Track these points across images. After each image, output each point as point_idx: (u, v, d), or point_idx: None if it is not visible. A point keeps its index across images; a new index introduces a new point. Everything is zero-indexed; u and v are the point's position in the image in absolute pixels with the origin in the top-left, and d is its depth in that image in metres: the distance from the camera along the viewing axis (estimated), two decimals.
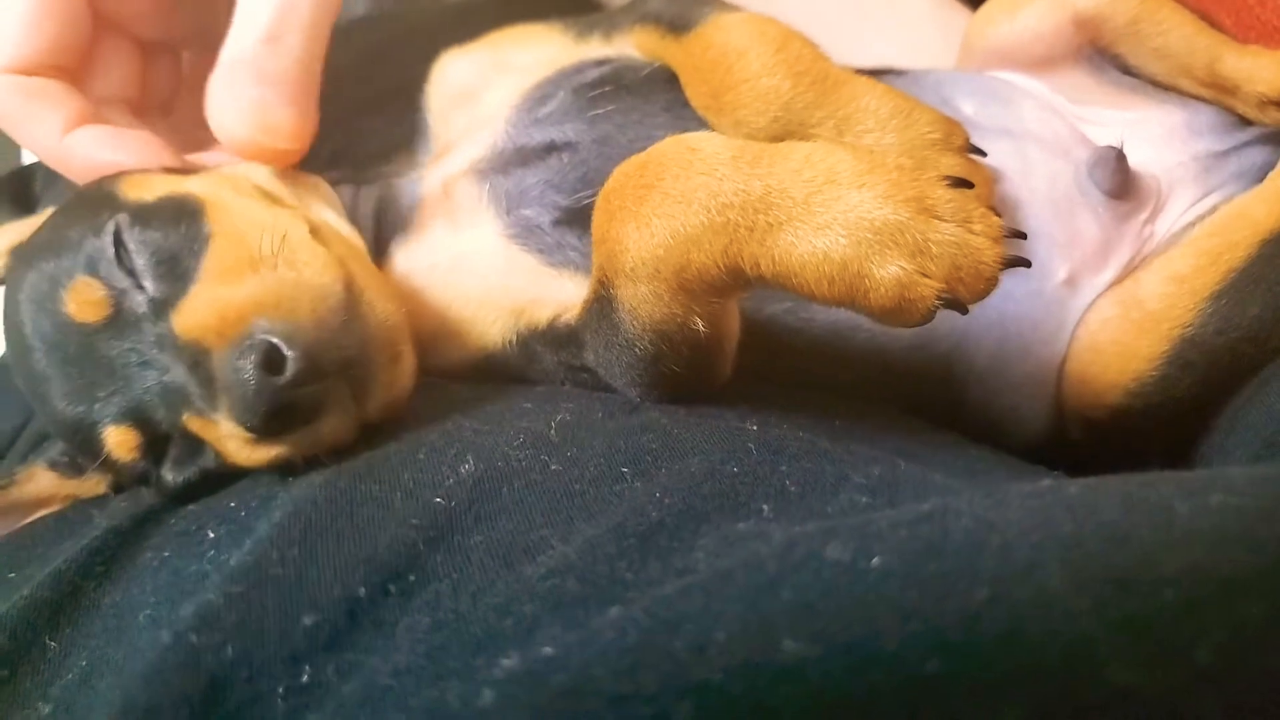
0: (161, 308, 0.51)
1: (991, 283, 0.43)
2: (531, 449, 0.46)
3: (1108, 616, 0.29)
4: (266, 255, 0.50)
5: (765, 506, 0.42)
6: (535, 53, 0.65)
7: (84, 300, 0.51)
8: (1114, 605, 0.29)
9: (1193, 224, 0.63)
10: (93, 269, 0.52)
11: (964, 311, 0.44)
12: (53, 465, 0.57)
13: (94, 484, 0.56)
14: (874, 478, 0.43)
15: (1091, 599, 0.29)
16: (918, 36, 0.86)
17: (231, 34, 0.62)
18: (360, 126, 0.78)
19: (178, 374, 0.50)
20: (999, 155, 0.60)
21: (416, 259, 0.62)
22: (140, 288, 0.52)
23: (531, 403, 0.53)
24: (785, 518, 0.41)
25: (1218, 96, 0.67)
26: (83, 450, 0.54)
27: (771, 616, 0.31)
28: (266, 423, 0.46)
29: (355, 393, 0.50)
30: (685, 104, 0.60)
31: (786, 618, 0.31)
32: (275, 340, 0.46)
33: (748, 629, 0.31)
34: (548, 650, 0.33)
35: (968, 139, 0.56)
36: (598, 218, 0.49)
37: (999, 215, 0.44)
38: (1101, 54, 0.68)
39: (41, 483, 0.57)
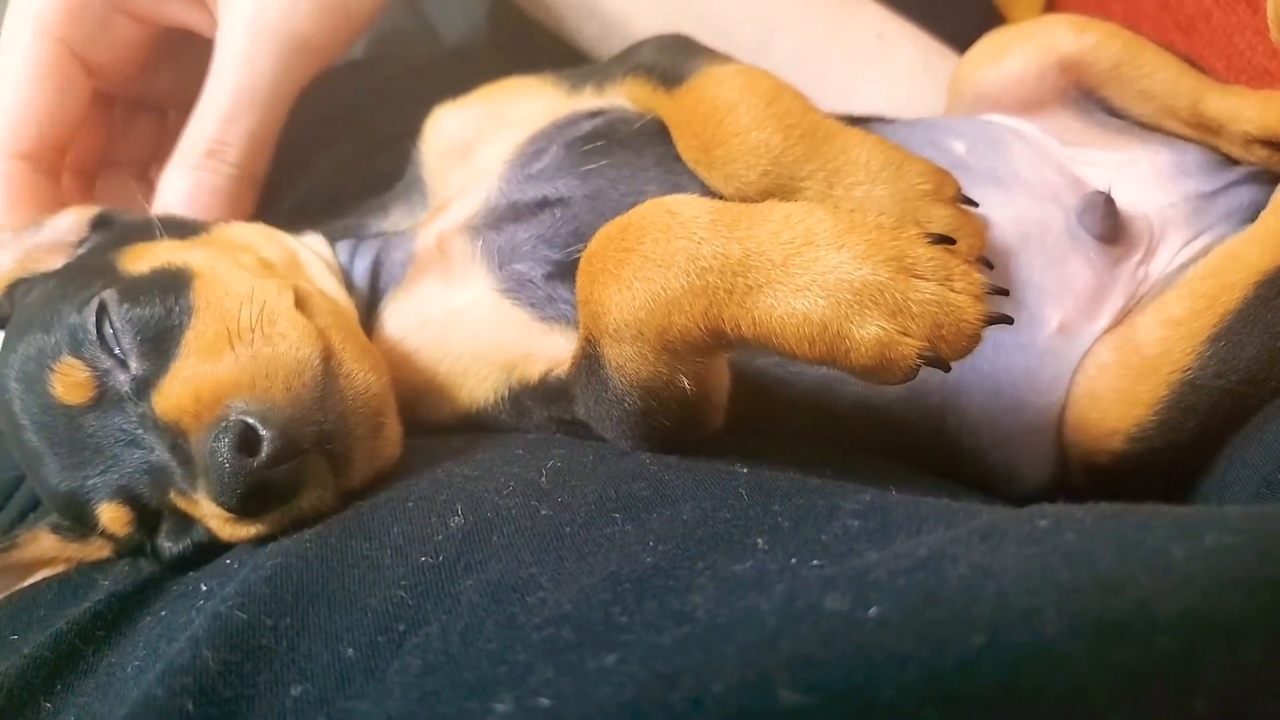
0: (143, 387, 0.50)
1: (974, 340, 0.43)
2: (521, 496, 0.46)
3: (1105, 664, 0.29)
4: (245, 329, 0.50)
5: (760, 540, 0.41)
6: (529, 105, 0.65)
7: (69, 382, 0.52)
8: (1111, 653, 0.29)
9: (1185, 265, 0.63)
10: (77, 350, 0.52)
11: (946, 369, 0.43)
12: (56, 529, 0.57)
13: (97, 548, 0.56)
14: (865, 504, 0.43)
15: (1088, 646, 0.29)
16: (909, 84, 0.86)
17: (186, 133, 0.67)
18: (353, 176, 0.79)
19: (160, 454, 0.50)
20: (989, 203, 0.59)
21: (409, 316, 0.62)
22: (124, 366, 0.51)
23: (523, 449, 0.53)
24: (780, 549, 0.40)
25: (1203, 136, 0.66)
26: (78, 523, 0.54)
27: (769, 669, 0.30)
28: (244, 504, 0.46)
29: (335, 465, 0.50)
30: (677, 158, 0.59)
31: (784, 669, 0.30)
32: (250, 420, 0.46)
33: (744, 681, 0.30)
34: (544, 701, 0.32)
35: (959, 190, 0.56)
36: (581, 279, 0.49)
37: (991, 266, 0.44)
38: (1088, 96, 0.68)
39: (44, 545, 0.57)
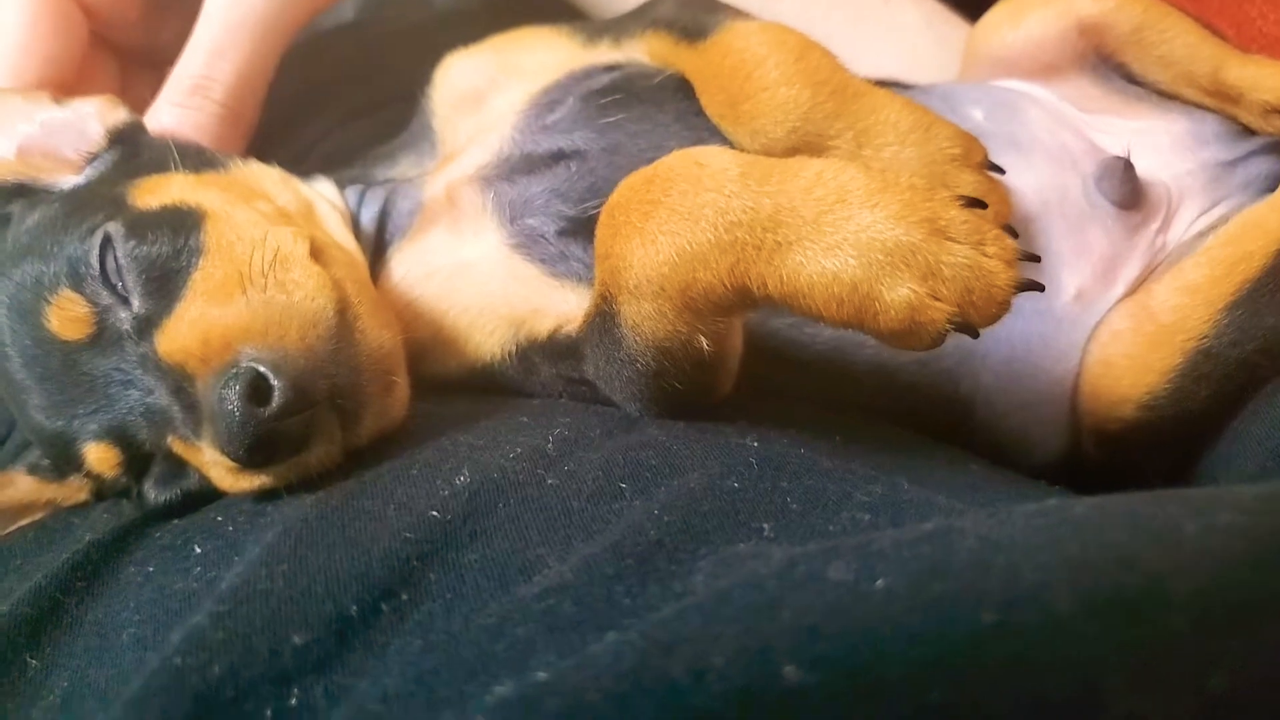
0: (145, 326, 0.48)
1: (1004, 307, 0.42)
2: (528, 463, 0.45)
3: (1117, 642, 0.28)
4: (257, 275, 0.48)
5: (766, 525, 0.40)
6: (543, 56, 0.63)
7: (66, 317, 0.49)
8: (1124, 631, 0.28)
9: (1203, 234, 0.61)
10: (77, 283, 0.50)
11: (975, 335, 0.42)
12: (33, 470, 0.55)
13: (75, 489, 0.54)
14: (876, 496, 0.42)
15: (1101, 624, 0.28)
16: (914, 46, 0.84)
17: (174, 70, 0.64)
18: (357, 129, 0.76)
19: (161, 396, 0.47)
20: (1009, 170, 0.57)
21: (416, 266, 0.60)
22: (126, 304, 0.49)
23: (528, 417, 0.51)
24: (786, 536, 0.39)
25: (1221, 105, 0.65)
26: (62, 461, 0.52)
27: (771, 640, 0.29)
28: (251, 454, 0.44)
29: (343, 421, 0.48)
30: (698, 113, 0.57)
31: (787, 641, 0.29)
32: (262, 369, 0.44)
33: (747, 653, 0.29)
34: (541, 675, 0.31)
35: (986, 155, 0.54)
36: (601, 232, 0.47)
37: (1016, 235, 0.42)
38: (1106, 62, 0.67)
39: (21, 488, 0.55)
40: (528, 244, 0.57)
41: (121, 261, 0.49)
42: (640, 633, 0.31)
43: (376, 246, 0.61)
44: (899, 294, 0.41)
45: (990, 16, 0.71)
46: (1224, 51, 0.65)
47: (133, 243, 0.50)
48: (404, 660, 0.36)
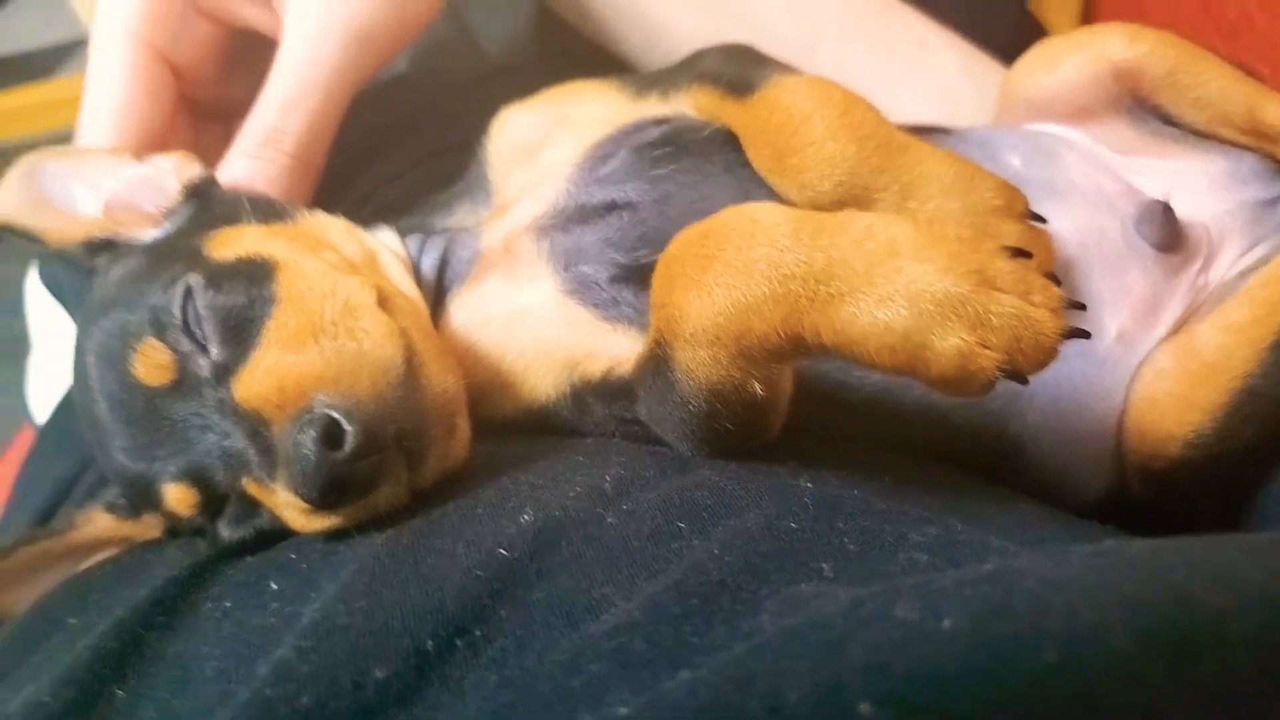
0: (223, 373, 0.50)
1: (1051, 354, 0.43)
2: (588, 501, 0.46)
3: (1178, 680, 0.28)
4: (328, 324, 0.50)
5: (825, 565, 0.41)
6: (595, 109, 0.65)
7: (151, 364, 0.52)
8: (1185, 669, 0.28)
9: (1246, 273, 0.61)
10: (160, 332, 0.52)
11: (1024, 382, 0.43)
12: (110, 508, 0.57)
13: (150, 527, 0.56)
14: (931, 536, 0.42)
15: (1161, 662, 0.28)
16: (951, 92, 0.85)
17: (247, 122, 0.67)
18: (414, 178, 0.79)
19: (237, 440, 0.50)
20: (1048, 215, 0.58)
21: (474, 312, 0.62)
22: (205, 352, 0.51)
23: (584, 456, 0.52)
24: (846, 577, 0.39)
25: (1259, 144, 0.65)
26: (142, 500, 0.54)
27: (842, 675, 0.30)
28: (324, 496, 0.46)
29: (409, 463, 0.49)
30: (745, 164, 0.59)
31: (858, 677, 0.29)
32: (335, 414, 0.46)
33: (820, 689, 0.29)
34: (621, 710, 0.32)
35: (1028, 205, 0.55)
36: (658, 283, 0.49)
37: (1059, 282, 0.44)
38: (1141, 104, 0.67)
39: (100, 525, 0.57)
40: (581, 290, 0.59)
41: (201, 311, 0.52)
42: (713, 670, 0.32)
43: (436, 294, 0.63)
44: (950, 343, 0.42)
45: (1025, 61, 0.71)
46: (1259, 92, 0.65)
47: (211, 293, 0.52)
48: (481, 695, 0.37)
